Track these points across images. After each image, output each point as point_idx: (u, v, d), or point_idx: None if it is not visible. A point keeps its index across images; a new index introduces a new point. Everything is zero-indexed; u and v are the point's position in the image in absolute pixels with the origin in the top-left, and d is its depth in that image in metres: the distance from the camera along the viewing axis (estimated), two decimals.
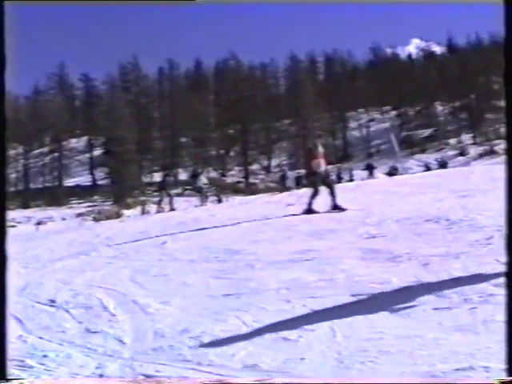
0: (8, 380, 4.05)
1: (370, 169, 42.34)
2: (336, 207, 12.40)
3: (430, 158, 68.17)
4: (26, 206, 63.69)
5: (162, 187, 24.24)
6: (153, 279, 7.87)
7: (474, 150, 70.72)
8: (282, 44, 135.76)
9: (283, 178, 42.97)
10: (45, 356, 5.20)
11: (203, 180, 25.76)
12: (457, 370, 4.06)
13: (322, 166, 12.89)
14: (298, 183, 41.20)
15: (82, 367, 4.86)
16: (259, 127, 78.30)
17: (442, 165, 42.43)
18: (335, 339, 4.93)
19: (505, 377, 3.74)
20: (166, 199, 22.98)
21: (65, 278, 8.43)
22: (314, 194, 12.64)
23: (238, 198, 30.95)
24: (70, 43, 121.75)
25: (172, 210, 21.26)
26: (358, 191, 16.06)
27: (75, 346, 5.41)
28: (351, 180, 39.99)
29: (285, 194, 19.78)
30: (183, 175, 75.26)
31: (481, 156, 67.62)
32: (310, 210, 12.47)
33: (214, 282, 7.30)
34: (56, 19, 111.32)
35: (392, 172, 38.48)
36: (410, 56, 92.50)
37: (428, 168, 42.91)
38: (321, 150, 13.06)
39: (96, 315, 6.37)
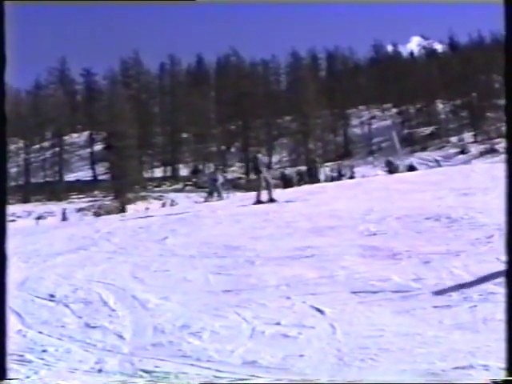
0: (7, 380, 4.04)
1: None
2: None
3: (431, 156, 68.33)
4: (26, 201, 63.85)
5: (258, 170, 16.95)
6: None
7: (475, 149, 70.70)
8: (283, 40, 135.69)
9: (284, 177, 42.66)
10: (44, 351, 5.19)
11: (220, 179, 23.70)
12: (456, 368, 4.05)
13: None
14: (300, 180, 41.12)
15: (82, 362, 4.86)
16: (260, 123, 78.21)
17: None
18: (335, 336, 4.92)
19: (505, 376, 3.73)
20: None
21: (64, 273, 8.43)
22: None
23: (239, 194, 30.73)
24: (72, 38, 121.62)
25: (271, 200, 15.69)
26: (359, 188, 16.06)
27: (75, 341, 5.40)
28: (352, 177, 39.89)
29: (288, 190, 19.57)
30: (184, 171, 75.40)
31: (482, 154, 67.60)
32: None
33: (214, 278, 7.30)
34: (58, 14, 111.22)
35: (392, 169, 38.38)
36: (411, 54, 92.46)
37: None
38: None
39: (96, 310, 6.36)
